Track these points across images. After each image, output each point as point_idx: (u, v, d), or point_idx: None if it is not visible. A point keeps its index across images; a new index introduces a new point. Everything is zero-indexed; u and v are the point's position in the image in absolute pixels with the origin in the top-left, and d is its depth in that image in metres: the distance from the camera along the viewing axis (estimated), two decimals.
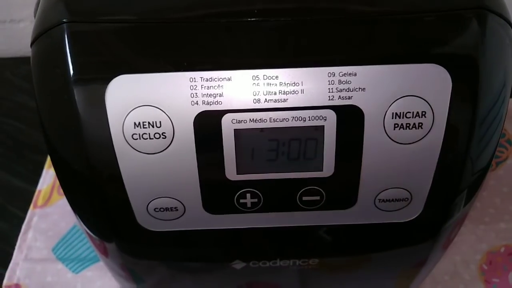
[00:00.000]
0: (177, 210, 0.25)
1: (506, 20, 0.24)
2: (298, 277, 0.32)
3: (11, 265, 0.44)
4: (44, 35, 0.23)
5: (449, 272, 0.42)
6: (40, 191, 0.49)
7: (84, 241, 0.45)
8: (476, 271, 0.42)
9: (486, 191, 0.47)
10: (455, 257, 0.43)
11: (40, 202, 0.48)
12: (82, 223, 0.28)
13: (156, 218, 0.25)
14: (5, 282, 0.42)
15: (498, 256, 0.43)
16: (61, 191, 0.30)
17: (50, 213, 0.47)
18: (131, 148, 0.23)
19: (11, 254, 0.44)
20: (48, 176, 0.50)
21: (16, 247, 0.45)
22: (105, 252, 0.30)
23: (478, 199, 0.47)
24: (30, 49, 0.24)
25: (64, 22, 0.22)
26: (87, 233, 0.29)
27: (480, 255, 0.43)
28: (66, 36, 0.22)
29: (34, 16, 0.25)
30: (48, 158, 0.51)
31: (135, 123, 0.22)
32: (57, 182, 0.48)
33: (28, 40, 0.24)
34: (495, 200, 0.47)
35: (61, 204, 0.48)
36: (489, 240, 0.44)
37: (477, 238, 0.44)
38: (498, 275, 0.42)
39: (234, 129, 0.23)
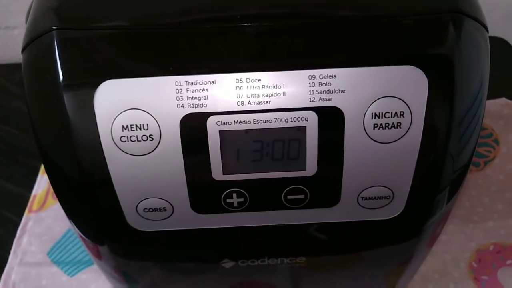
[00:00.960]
0: (165, 210, 0.25)
1: (482, 23, 0.24)
2: (288, 275, 0.32)
3: (6, 269, 0.44)
4: (35, 42, 0.24)
5: (439, 270, 0.42)
6: (35, 196, 0.50)
7: (78, 244, 0.45)
8: (466, 269, 0.42)
9: (475, 190, 0.48)
10: (444, 255, 0.43)
11: (35, 207, 0.49)
12: (74, 225, 0.29)
13: (146, 219, 0.26)
14: (0, 286, 0.43)
15: (487, 254, 0.43)
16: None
17: (45, 218, 0.48)
18: (120, 150, 0.23)
19: (6, 259, 0.45)
20: (43, 181, 0.51)
21: (11, 252, 0.45)
22: (98, 255, 0.30)
23: (467, 198, 0.47)
24: None
25: (54, 29, 0.23)
26: (80, 235, 0.29)
27: (470, 253, 0.43)
28: (55, 42, 0.23)
29: (26, 23, 0.26)
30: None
31: (123, 126, 0.23)
32: None
33: None
34: (483, 199, 0.47)
35: (56, 208, 0.48)
36: (478, 239, 0.44)
37: (466, 236, 0.45)
38: (487, 272, 0.42)
39: (219, 131, 0.23)
